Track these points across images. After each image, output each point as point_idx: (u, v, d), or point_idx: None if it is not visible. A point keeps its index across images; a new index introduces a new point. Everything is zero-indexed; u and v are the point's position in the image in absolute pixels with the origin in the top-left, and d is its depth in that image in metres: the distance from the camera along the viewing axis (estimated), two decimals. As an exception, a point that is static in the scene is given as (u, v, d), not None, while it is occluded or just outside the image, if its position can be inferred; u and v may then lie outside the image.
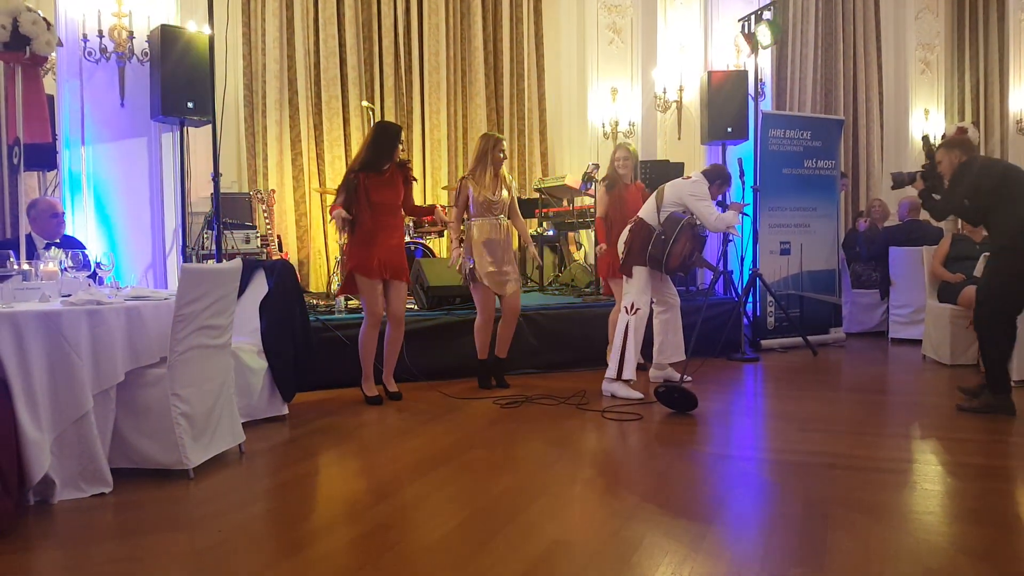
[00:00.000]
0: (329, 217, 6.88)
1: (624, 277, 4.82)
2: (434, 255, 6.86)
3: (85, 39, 5.26)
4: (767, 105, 7.92)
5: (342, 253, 6.30)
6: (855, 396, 4.97)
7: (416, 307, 5.80)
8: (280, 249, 6.76)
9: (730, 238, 6.61)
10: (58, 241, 4.72)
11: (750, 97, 7.06)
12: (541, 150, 8.57)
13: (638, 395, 4.65)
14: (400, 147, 4.66)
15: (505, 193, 4.95)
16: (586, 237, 7.89)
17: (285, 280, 4.39)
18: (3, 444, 2.72)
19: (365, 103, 6.82)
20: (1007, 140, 9.40)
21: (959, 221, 7.09)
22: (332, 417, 4.39)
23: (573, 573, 2.37)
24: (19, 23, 3.83)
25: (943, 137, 8.97)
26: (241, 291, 3.95)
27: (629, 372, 4.67)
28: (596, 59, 8.22)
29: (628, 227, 4.83)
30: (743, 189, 6.51)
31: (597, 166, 5.76)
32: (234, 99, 6.88)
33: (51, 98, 5.28)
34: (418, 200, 6.60)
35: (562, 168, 8.50)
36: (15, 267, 3.38)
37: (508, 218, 5.01)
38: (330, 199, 6.14)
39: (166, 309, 3.30)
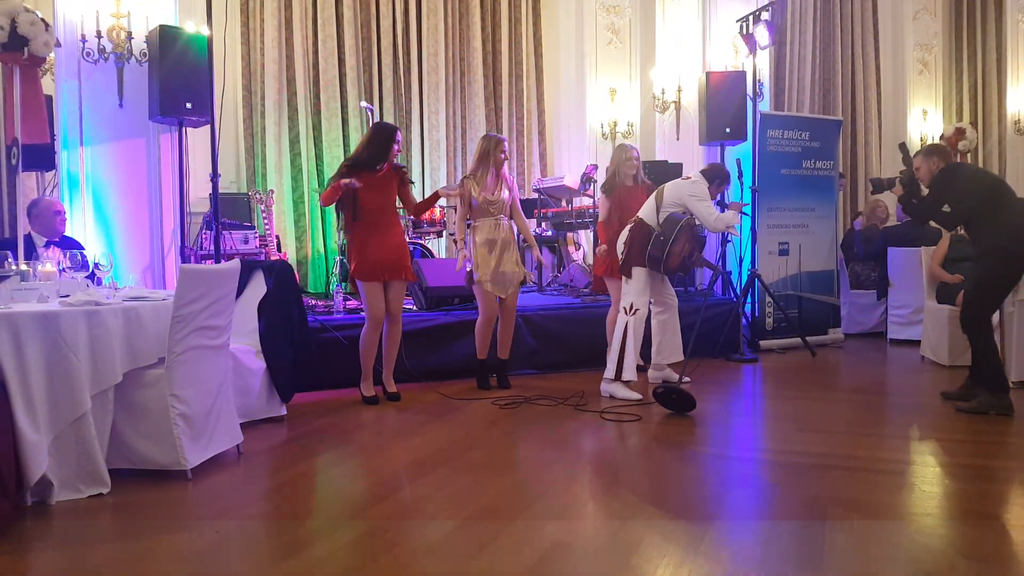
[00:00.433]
0: (332, 219, 6.89)
1: (623, 278, 4.82)
2: (433, 255, 6.85)
3: (83, 39, 5.26)
4: (765, 105, 7.93)
5: (341, 253, 6.30)
6: (854, 397, 4.97)
7: (415, 307, 5.79)
8: (279, 249, 6.76)
9: (729, 238, 6.64)
10: (58, 240, 4.73)
11: (748, 97, 7.07)
12: (540, 150, 8.56)
13: (637, 396, 4.65)
14: (397, 147, 4.65)
15: (505, 193, 4.96)
16: (585, 237, 7.89)
17: (283, 281, 4.38)
18: (1, 445, 2.72)
19: (364, 103, 6.81)
20: (1005, 140, 9.41)
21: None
22: (330, 418, 4.38)
23: (572, 575, 2.37)
24: (17, 24, 3.81)
25: (941, 138, 9.02)
26: (239, 292, 3.94)
27: (629, 373, 4.66)
28: (595, 60, 8.23)
29: (627, 227, 4.83)
30: (741, 189, 6.51)
31: (596, 167, 5.76)
32: (233, 99, 6.87)
33: (49, 99, 5.28)
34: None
35: (561, 168, 8.50)
36: (13, 267, 3.38)
37: (510, 218, 5.01)
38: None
39: (164, 310, 3.29)
